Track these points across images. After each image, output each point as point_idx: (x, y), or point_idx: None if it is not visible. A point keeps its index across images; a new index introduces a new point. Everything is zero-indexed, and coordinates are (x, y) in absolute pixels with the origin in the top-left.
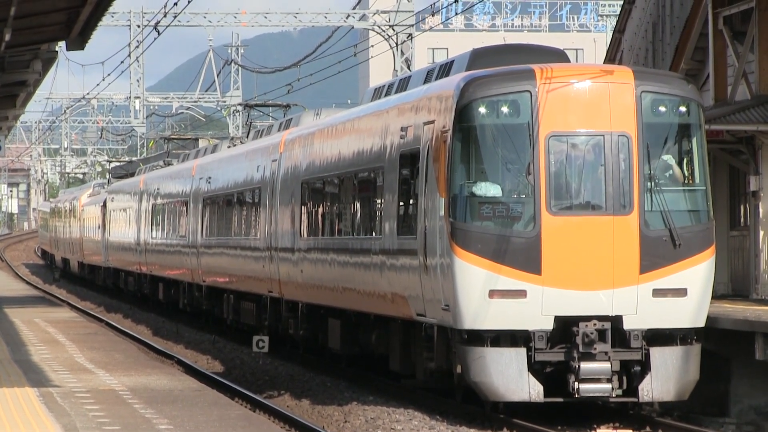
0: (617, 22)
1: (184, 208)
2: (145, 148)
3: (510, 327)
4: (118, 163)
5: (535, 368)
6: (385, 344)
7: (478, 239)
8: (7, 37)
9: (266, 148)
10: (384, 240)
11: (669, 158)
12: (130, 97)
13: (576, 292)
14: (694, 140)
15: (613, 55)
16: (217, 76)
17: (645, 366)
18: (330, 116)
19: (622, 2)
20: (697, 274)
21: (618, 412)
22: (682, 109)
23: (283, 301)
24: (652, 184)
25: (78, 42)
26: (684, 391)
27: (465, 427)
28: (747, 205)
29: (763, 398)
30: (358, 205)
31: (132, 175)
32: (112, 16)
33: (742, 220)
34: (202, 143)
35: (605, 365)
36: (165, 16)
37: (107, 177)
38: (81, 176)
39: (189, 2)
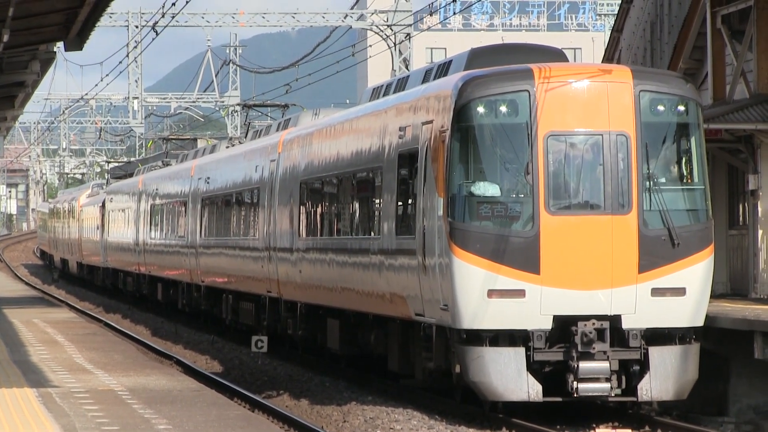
0: (615, 21)
1: (183, 209)
2: (143, 149)
3: (509, 327)
4: (116, 164)
5: (533, 368)
6: (384, 344)
7: (476, 239)
8: (6, 37)
9: (265, 148)
10: (382, 240)
11: (667, 157)
12: (128, 98)
13: (575, 291)
14: (692, 139)
15: (611, 55)
16: (216, 76)
17: (644, 365)
18: (328, 116)
19: (620, 1)
20: (695, 274)
21: (617, 411)
22: (681, 108)
23: (281, 301)
24: (651, 183)
25: (76, 43)
26: (683, 391)
27: (464, 426)
28: (746, 204)
29: (761, 397)
30: (356, 205)
31: (131, 175)
32: (110, 17)
33: (740, 219)
34: (200, 143)
35: (604, 365)
36: (163, 16)
37: (106, 177)
38: (80, 177)
39: (187, 2)
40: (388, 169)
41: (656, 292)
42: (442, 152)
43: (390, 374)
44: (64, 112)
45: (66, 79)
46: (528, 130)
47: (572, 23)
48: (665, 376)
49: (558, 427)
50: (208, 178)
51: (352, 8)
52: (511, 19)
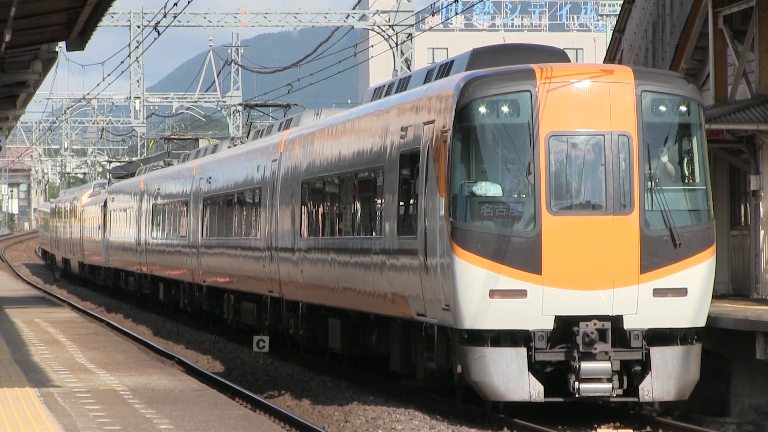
0: (617, 21)
1: (185, 208)
2: (145, 149)
3: (510, 327)
4: (118, 164)
5: (535, 368)
6: (386, 344)
7: (478, 239)
8: (8, 37)
9: (266, 148)
10: (384, 240)
11: (669, 158)
12: (130, 98)
13: (576, 291)
14: (694, 140)
15: (613, 55)
16: (217, 76)
17: (645, 366)
18: (330, 116)
19: (622, 2)
20: (697, 274)
21: (618, 412)
22: (683, 108)
23: (283, 301)
24: (653, 183)
25: (78, 42)
26: (684, 391)
27: (465, 426)
28: (747, 205)
29: (763, 398)
30: (358, 205)
31: (132, 175)
32: (112, 17)
33: (742, 219)
34: (202, 143)
35: (605, 365)
36: (165, 16)
37: (107, 177)
38: (81, 176)
39: (189, 2)
40: (389, 169)
41: (658, 292)
42: (443, 152)
43: (391, 374)
44: (65, 111)
45: (68, 79)
46: (530, 130)
47: (574, 23)
48: (667, 377)
49: (559, 427)
50: (210, 177)
51: (354, 8)
52: (512, 20)
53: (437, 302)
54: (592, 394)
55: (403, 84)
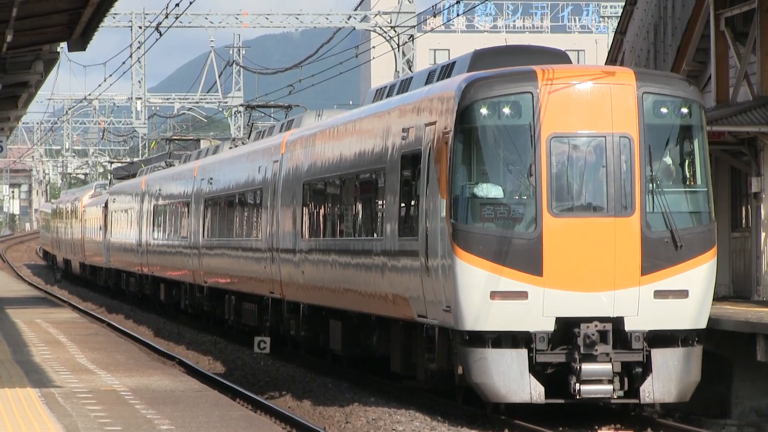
0: (619, 23)
1: (186, 209)
2: (146, 149)
3: (511, 328)
4: (119, 164)
5: (536, 369)
6: (387, 345)
7: (479, 240)
8: (9, 38)
9: (268, 149)
10: (385, 241)
11: (670, 159)
12: (131, 98)
13: (577, 293)
14: (695, 141)
15: (614, 57)
16: (219, 77)
17: (646, 367)
18: (331, 117)
19: (623, 3)
20: (698, 276)
21: (619, 413)
22: (684, 110)
23: (284, 302)
24: (654, 185)
25: (80, 43)
26: (685, 393)
27: (466, 428)
28: (749, 207)
29: (764, 400)
30: (359, 207)
31: (133, 176)
32: (114, 17)
33: (743, 221)
34: (203, 144)
35: (606, 366)
36: (166, 17)
37: (109, 178)
38: (82, 177)
39: (190, 3)
40: (390, 171)
41: (659, 294)
42: (445, 154)
43: (392, 375)
44: (67, 112)
45: (69, 80)
46: (531, 132)
47: (575, 25)
48: (668, 378)
49: (560, 429)
50: (211, 178)
51: (355, 9)
52: (514, 21)
53: (438, 303)
54: (593, 396)
55: (404, 85)
